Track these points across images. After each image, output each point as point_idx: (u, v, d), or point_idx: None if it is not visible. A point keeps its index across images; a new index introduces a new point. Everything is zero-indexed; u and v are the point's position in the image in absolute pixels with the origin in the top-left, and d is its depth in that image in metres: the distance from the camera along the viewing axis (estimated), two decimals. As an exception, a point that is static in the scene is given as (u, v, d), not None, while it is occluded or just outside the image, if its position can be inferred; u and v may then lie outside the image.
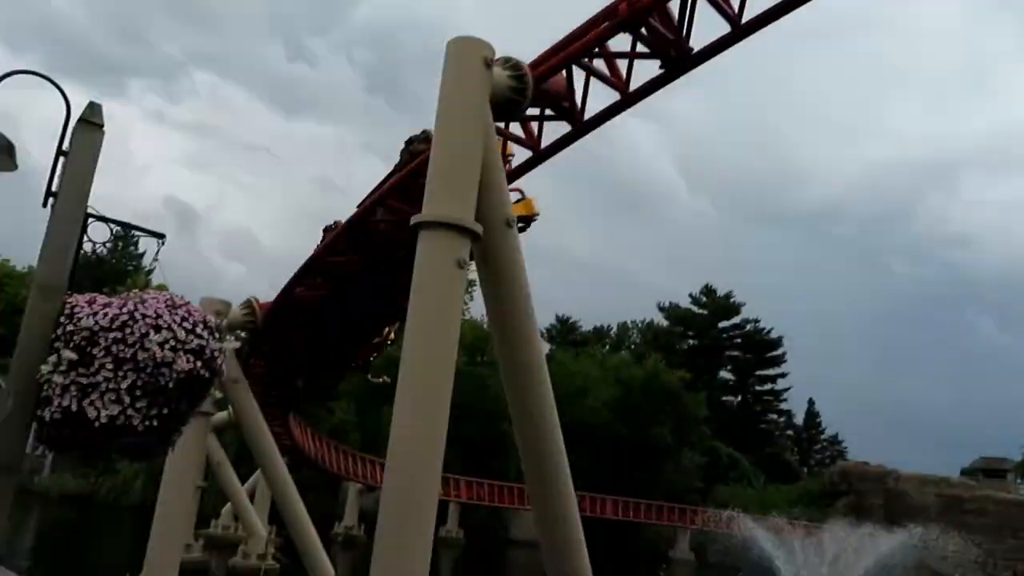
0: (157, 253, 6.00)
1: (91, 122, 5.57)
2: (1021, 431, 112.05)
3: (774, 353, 76.70)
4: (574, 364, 55.31)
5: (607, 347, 76.42)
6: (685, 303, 79.00)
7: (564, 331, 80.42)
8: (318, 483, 46.25)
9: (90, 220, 5.66)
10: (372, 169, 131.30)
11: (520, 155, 13.06)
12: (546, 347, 73.01)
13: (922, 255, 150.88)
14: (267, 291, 19.43)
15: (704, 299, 78.16)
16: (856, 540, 26.65)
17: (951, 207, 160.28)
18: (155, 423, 4.85)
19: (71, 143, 5.55)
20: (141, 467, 38.94)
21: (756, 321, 77.09)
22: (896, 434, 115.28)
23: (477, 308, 54.63)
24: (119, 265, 61.04)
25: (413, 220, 9.96)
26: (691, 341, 77.33)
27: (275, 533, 26.78)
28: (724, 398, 73.36)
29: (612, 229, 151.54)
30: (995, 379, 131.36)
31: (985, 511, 42.60)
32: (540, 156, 12.90)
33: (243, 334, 20.81)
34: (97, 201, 5.64)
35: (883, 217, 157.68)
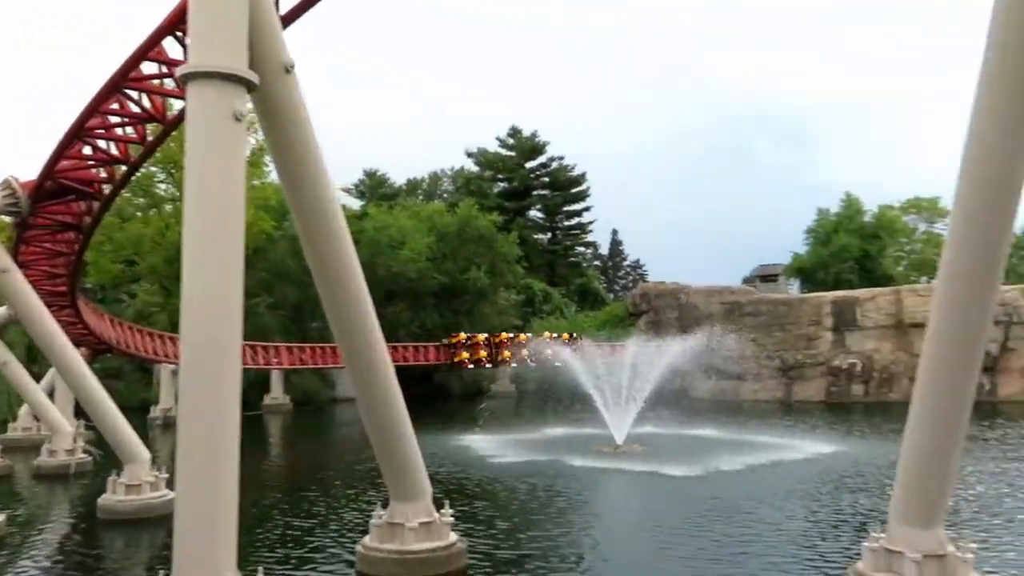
0: None
1: None
2: (790, 239, 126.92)
3: (579, 189, 79.91)
4: (387, 218, 54.77)
5: (420, 198, 76.14)
6: (494, 147, 79.67)
7: (374, 185, 78.92)
8: (128, 370, 44.00)
9: None
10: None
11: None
12: (356, 203, 71.85)
13: (714, 86, 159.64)
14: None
15: (511, 141, 79.04)
16: (651, 350, 29.62)
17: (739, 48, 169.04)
18: None
19: None
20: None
21: (561, 159, 79.49)
22: (689, 252, 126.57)
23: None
24: None
25: (178, 72, 9.03)
26: (501, 184, 78.66)
27: (83, 427, 25.37)
28: (535, 236, 76.19)
29: (420, 78, 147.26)
30: (771, 195, 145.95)
31: (759, 312, 48.37)
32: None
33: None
34: None
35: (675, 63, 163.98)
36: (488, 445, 26.04)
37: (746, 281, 70.67)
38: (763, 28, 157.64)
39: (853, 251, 58.47)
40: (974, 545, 9.77)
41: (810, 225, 63.93)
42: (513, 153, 78.72)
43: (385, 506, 11.73)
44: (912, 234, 68.25)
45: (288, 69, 9.68)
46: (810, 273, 60.86)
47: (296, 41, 10.42)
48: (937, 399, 9.00)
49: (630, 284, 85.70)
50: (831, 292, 49.54)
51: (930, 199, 66.16)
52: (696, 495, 18.02)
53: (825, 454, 23.54)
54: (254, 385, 42.93)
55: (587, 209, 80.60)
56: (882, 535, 9.84)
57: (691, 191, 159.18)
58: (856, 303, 46.12)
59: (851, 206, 61.96)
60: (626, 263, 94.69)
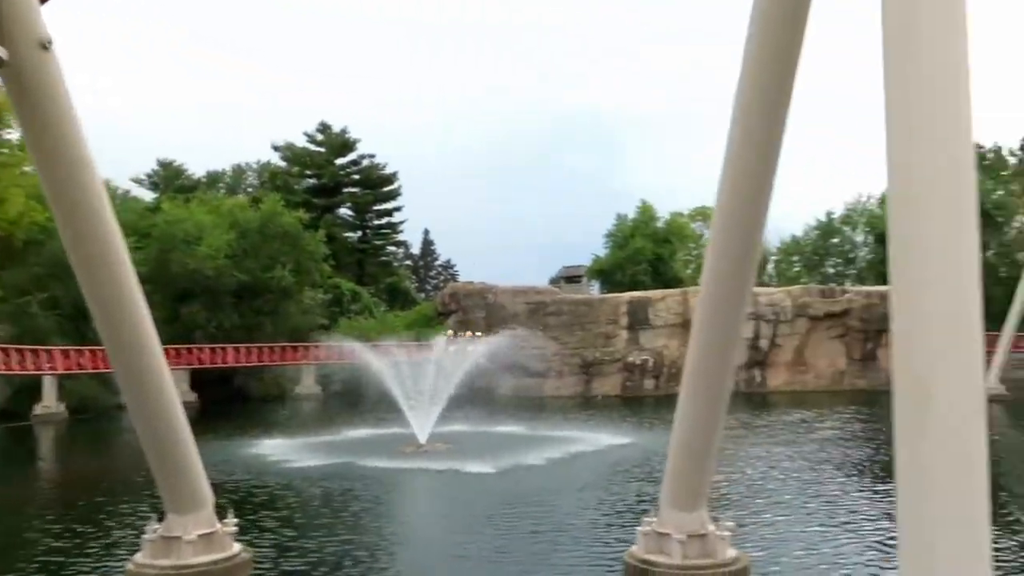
0: None
1: None
2: (592, 241, 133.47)
3: (390, 188, 79.16)
4: (183, 211, 51.31)
5: (222, 192, 72.05)
6: (302, 142, 77.01)
7: (169, 176, 73.59)
8: None
9: None
10: None
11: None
12: (149, 195, 66.78)
13: (532, 92, 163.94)
14: None
15: (320, 136, 76.81)
16: (455, 350, 30.05)
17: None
18: None
19: None
20: None
21: (372, 156, 78.35)
22: (502, 253, 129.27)
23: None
24: None
25: (-96, 39, 7.93)
26: (310, 180, 76.27)
27: None
28: (345, 234, 74.59)
29: (221, 64, 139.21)
30: (579, 199, 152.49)
31: (562, 312, 50.59)
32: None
33: None
34: None
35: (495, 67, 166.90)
36: (285, 449, 25.08)
37: (552, 282, 73.18)
38: (583, 38, 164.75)
39: (647, 254, 62.51)
40: (731, 523, 10.76)
41: (610, 229, 67.63)
42: (322, 149, 76.56)
43: (161, 519, 10.95)
44: (699, 240, 74.15)
45: (46, 46, 8.79)
46: (609, 274, 64.29)
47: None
48: (697, 397, 9.85)
49: (441, 284, 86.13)
50: (627, 293, 52.73)
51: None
52: (496, 491, 18.46)
53: (618, 445, 24.99)
54: (21, 393, 38.62)
55: (398, 208, 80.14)
56: (654, 519, 10.58)
57: (505, 193, 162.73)
58: (649, 303, 49.44)
59: (646, 212, 66.19)
60: (438, 263, 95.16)
